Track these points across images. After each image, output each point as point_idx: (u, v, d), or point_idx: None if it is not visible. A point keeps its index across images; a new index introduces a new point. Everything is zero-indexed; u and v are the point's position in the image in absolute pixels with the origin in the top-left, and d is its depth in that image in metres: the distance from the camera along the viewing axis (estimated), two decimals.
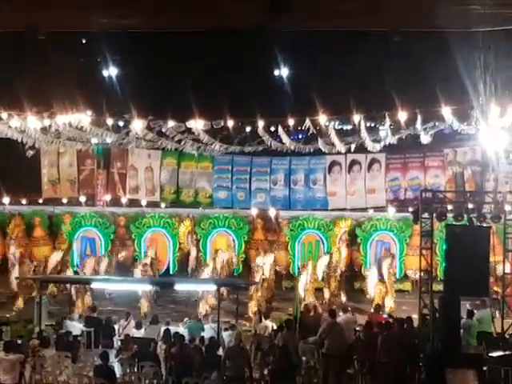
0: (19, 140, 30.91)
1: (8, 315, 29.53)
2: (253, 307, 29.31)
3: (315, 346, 22.11)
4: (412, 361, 20.38)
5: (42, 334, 23.60)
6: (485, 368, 18.70)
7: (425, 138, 30.00)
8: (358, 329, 23.44)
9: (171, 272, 34.69)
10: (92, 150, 35.88)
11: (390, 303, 29.83)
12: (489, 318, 23.55)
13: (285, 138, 31.18)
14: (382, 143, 31.33)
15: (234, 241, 34.56)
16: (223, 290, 28.26)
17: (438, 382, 18.14)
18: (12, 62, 30.70)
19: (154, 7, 15.60)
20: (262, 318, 25.52)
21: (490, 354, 19.45)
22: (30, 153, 33.35)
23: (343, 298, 31.37)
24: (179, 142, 32.14)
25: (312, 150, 32.52)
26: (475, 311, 24.09)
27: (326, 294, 31.14)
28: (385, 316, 25.86)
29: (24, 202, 36.82)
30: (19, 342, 22.31)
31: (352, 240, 33.97)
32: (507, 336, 22.94)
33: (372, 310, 27.11)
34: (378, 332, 21.27)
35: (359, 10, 15.98)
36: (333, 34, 26.69)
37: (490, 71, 29.09)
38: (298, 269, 33.21)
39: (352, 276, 33.31)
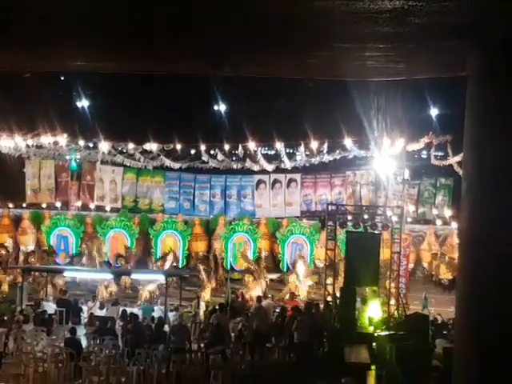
0: (8, 155, 30.72)
1: None
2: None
3: (241, 325, 22.18)
4: (318, 339, 20.54)
5: (23, 313, 23.32)
6: (374, 344, 18.95)
7: (330, 162, 30.39)
8: (276, 311, 23.53)
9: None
10: (67, 165, 35.65)
11: (302, 292, 29.90)
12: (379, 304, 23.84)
13: (221, 159, 31.49)
14: (298, 165, 31.70)
15: (179, 240, 34.30)
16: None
17: (337, 356, 18.30)
18: (2, 94, 30.29)
19: (119, 56, 15.61)
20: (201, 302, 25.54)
21: (378, 333, 19.69)
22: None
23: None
24: (138, 160, 32.40)
25: (243, 168, 32.79)
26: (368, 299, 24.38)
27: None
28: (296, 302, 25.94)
29: (11, 205, 36.29)
30: (5, 318, 22.07)
31: (273, 241, 33.98)
32: (392, 319, 23.26)
33: (287, 297, 27.26)
34: (292, 315, 21.39)
35: (285, 63, 16.16)
36: (260, 79, 26.87)
37: (382, 111, 29.62)
38: (231, 264, 33.25)
39: (272, 268, 33.08)
